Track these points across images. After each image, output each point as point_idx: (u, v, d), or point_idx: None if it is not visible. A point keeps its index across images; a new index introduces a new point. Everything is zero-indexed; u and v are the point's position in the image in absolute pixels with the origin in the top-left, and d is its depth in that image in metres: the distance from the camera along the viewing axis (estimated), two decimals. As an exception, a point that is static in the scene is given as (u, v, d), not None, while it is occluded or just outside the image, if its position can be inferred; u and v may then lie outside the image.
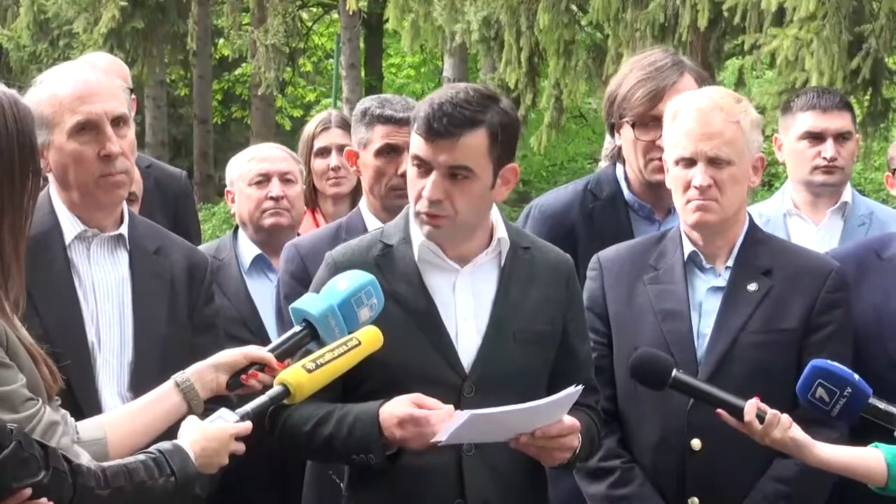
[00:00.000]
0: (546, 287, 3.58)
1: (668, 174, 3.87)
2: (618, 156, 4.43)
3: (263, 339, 4.28)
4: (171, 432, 3.08)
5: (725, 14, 12.40)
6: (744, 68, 13.47)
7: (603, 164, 5.31)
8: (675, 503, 3.78)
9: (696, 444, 3.74)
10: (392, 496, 3.46)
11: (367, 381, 3.42)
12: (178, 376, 3.27)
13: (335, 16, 26.15)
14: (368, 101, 4.52)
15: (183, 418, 3.09)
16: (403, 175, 3.65)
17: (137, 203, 4.87)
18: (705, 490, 3.74)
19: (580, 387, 3.32)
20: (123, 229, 3.65)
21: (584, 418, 3.50)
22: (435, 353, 3.46)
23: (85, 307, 3.54)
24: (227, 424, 3.02)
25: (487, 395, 3.41)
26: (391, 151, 4.35)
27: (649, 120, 4.19)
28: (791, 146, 5.12)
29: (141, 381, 3.46)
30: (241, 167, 4.98)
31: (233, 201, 5.01)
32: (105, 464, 2.80)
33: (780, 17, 11.76)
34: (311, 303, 3.34)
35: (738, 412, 3.47)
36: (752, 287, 3.80)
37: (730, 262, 3.84)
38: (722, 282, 3.84)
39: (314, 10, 28.18)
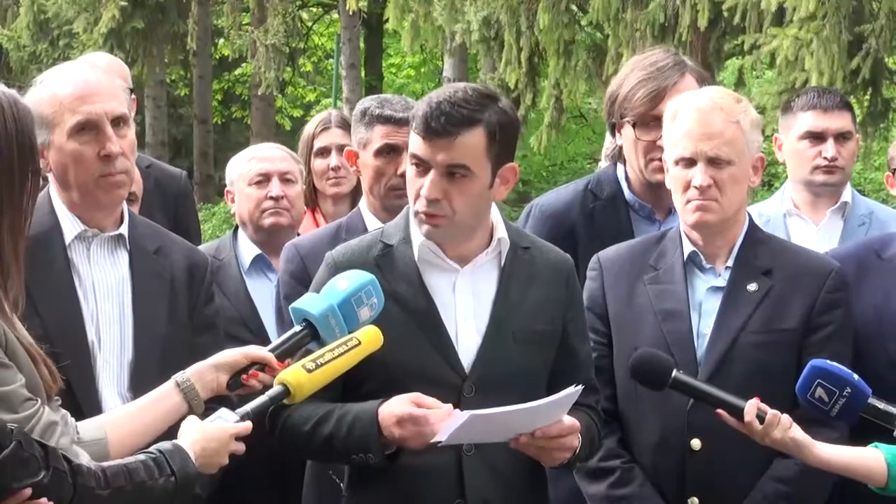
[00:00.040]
0: (546, 287, 3.58)
1: (667, 174, 3.87)
2: (619, 156, 4.43)
3: (263, 339, 4.28)
4: (171, 432, 3.08)
5: (725, 14, 12.40)
6: (744, 68, 13.47)
7: (603, 163, 5.32)
8: (675, 503, 3.78)
9: (696, 444, 3.74)
10: (392, 496, 3.46)
11: (368, 381, 3.42)
12: (179, 376, 3.27)
13: (335, 16, 26.15)
14: (368, 101, 4.52)
15: (183, 418, 3.09)
16: (403, 175, 3.65)
17: (137, 203, 4.87)
18: (705, 490, 3.74)
19: (580, 387, 3.32)
20: (123, 229, 3.65)
21: (584, 418, 3.50)
22: (435, 353, 3.46)
23: (85, 307, 3.54)
24: (228, 424, 3.02)
25: (487, 395, 3.41)
26: (391, 151, 4.35)
27: (650, 120, 4.19)
28: (792, 146, 5.12)
29: (141, 380, 3.46)
30: (241, 167, 4.98)
31: (233, 201, 5.01)
32: (105, 464, 2.80)
33: (780, 17, 11.76)
34: (311, 302, 3.34)
35: (738, 412, 3.47)
36: (752, 287, 3.80)
37: (730, 262, 3.84)
38: (722, 282, 3.84)
39: (314, 10, 28.18)
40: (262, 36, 20.06)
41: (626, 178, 4.37)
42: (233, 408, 3.09)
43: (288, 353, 3.34)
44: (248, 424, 3.05)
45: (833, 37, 11.21)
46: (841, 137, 5.07)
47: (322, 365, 3.20)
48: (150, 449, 2.90)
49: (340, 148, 5.26)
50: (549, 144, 15.15)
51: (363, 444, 3.37)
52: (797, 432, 3.46)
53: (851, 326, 3.83)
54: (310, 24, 27.50)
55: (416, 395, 3.34)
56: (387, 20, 17.29)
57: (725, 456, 3.70)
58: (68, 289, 3.53)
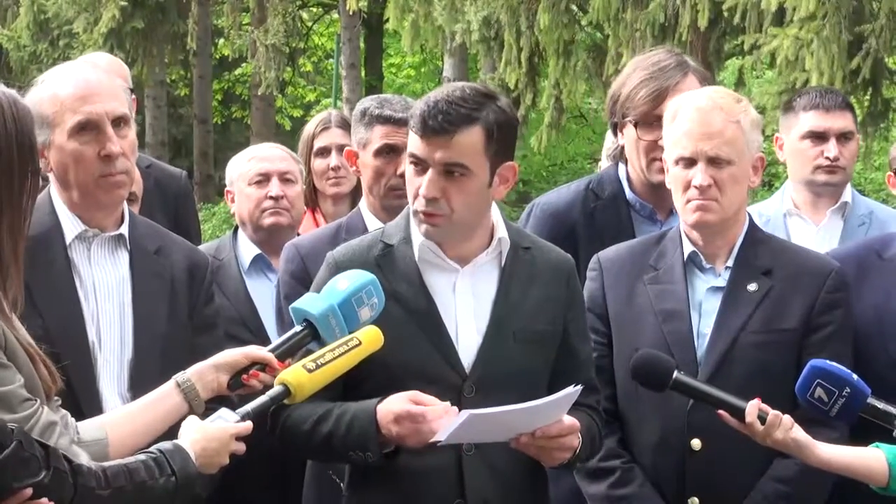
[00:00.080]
0: (547, 287, 3.58)
1: (667, 174, 3.87)
2: (620, 155, 4.43)
3: (263, 339, 4.28)
4: (171, 432, 3.08)
5: (725, 14, 12.40)
6: (744, 68, 13.47)
7: (604, 163, 5.32)
8: (675, 503, 3.78)
9: (696, 444, 3.74)
10: (392, 496, 3.46)
11: (368, 381, 3.42)
12: (179, 376, 3.27)
13: (335, 16, 26.15)
14: (368, 102, 4.52)
15: (183, 418, 3.09)
16: (403, 175, 3.65)
17: (137, 203, 4.87)
18: (705, 490, 3.74)
19: (579, 386, 3.32)
20: (124, 229, 3.65)
21: (584, 418, 3.50)
22: (435, 352, 3.46)
23: (85, 307, 3.54)
24: (228, 424, 3.02)
25: (488, 394, 3.41)
26: (390, 151, 4.35)
27: (652, 120, 4.19)
28: (793, 146, 5.12)
29: (141, 380, 3.46)
30: (241, 167, 4.98)
31: (232, 201, 5.01)
32: (105, 464, 2.80)
33: (780, 17, 11.76)
34: (311, 302, 3.34)
35: (739, 413, 3.47)
36: (752, 287, 3.80)
37: (730, 262, 3.84)
38: (722, 282, 3.83)
39: (314, 10, 28.17)
40: (262, 36, 20.06)
41: (628, 178, 4.37)
42: (233, 408, 3.09)
43: (288, 353, 3.34)
44: (248, 424, 3.05)
45: (833, 37, 11.21)
46: (843, 137, 5.07)
47: (322, 365, 3.20)
48: (151, 449, 2.90)
49: (340, 148, 5.26)
50: (549, 144, 15.15)
51: (362, 443, 3.37)
52: (798, 433, 3.46)
53: (851, 327, 3.83)
54: (310, 24, 27.49)
55: (415, 393, 3.34)
56: (387, 20, 17.30)
57: (725, 456, 3.70)
58: (69, 289, 3.53)
